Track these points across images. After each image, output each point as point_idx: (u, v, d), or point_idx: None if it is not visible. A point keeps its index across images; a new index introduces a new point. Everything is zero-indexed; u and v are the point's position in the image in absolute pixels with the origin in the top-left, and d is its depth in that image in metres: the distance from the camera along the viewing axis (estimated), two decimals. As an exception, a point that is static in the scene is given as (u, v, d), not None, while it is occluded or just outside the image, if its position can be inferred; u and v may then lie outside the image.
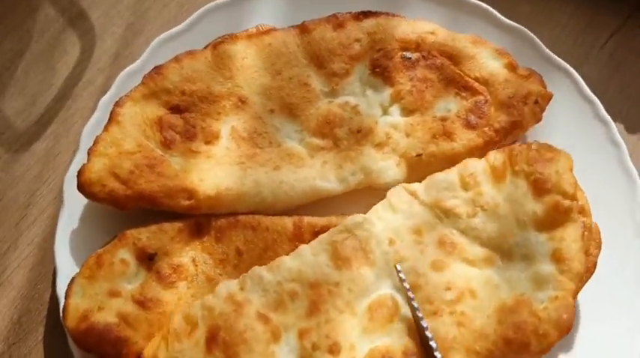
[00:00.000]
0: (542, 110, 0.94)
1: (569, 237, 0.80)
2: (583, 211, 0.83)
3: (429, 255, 0.83)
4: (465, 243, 0.83)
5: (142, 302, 0.85)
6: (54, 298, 0.93)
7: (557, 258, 0.80)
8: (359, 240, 0.82)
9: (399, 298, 0.81)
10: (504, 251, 0.82)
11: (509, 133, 0.92)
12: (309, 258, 0.82)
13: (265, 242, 0.86)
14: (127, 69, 0.99)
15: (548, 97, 0.94)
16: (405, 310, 0.80)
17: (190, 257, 0.87)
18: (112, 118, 0.92)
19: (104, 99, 0.98)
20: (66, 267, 0.89)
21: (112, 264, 0.85)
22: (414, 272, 0.81)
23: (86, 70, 1.10)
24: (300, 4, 1.04)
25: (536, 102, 0.93)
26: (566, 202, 0.81)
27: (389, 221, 0.84)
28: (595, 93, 0.99)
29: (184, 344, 0.79)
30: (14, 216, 1.01)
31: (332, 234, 0.83)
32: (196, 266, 0.87)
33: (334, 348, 0.78)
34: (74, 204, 0.93)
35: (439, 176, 0.87)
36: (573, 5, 1.13)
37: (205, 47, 0.98)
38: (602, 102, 0.98)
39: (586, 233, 0.82)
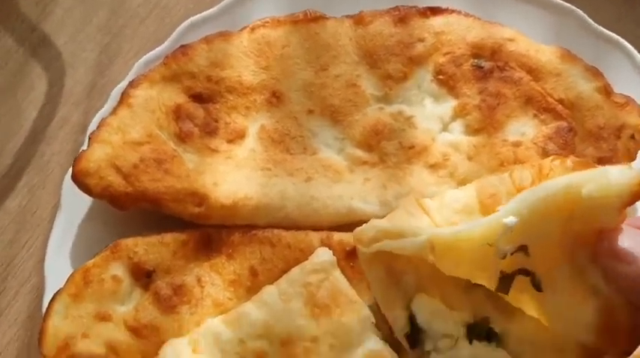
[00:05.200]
0: (639, 147, 0.77)
1: None
2: None
3: None
4: None
5: (135, 330, 0.71)
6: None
7: None
8: (339, 283, 0.68)
9: (392, 354, 0.66)
10: None
11: (595, 171, 0.76)
12: (278, 305, 0.66)
13: (286, 261, 0.72)
14: (147, 56, 0.85)
15: (648, 132, 0.77)
16: None
17: (195, 276, 0.73)
18: (123, 100, 0.79)
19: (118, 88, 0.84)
20: (56, 285, 0.75)
21: (101, 281, 0.72)
22: None
23: (59, 106, 0.93)
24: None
25: (632, 137, 0.77)
26: None
27: None
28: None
29: None
30: (-10, 292, 0.83)
31: (304, 274, 0.68)
32: (202, 287, 0.73)
33: None
34: (72, 209, 0.80)
35: (453, 194, 0.69)
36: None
37: (242, 29, 0.84)
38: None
39: None
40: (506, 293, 0.62)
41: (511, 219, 0.57)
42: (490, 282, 0.62)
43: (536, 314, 0.63)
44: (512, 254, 0.60)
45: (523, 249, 0.60)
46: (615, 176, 0.55)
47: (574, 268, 0.58)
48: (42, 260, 0.80)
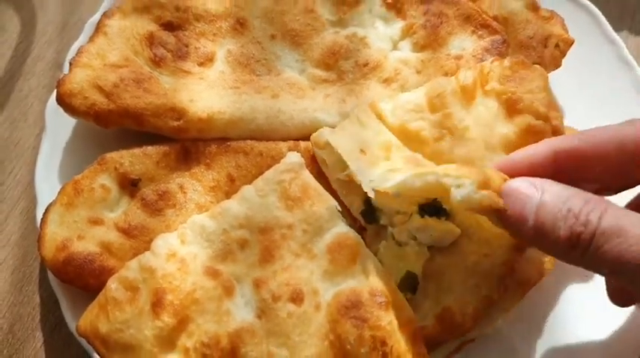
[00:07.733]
0: (563, 55, 0.87)
1: None
2: (557, 132, 0.77)
3: None
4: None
5: (126, 231, 0.78)
6: (46, 298, 0.84)
7: None
8: (308, 179, 0.76)
9: (357, 236, 0.74)
10: None
11: (527, 76, 0.86)
12: (256, 200, 0.74)
13: (259, 167, 0.79)
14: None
15: (570, 42, 0.87)
16: (366, 250, 0.74)
17: (177, 184, 0.80)
18: (99, 29, 0.84)
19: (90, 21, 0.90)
20: (47, 198, 0.81)
21: (91, 190, 0.78)
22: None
23: (32, 46, 0.99)
24: None
25: (557, 46, 0.87)
26: (539, 124, 0.75)
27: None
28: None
29: (127, 312, 0.70)
30: (-18, 218, 0.88)
31: (277, 174, 0.76)
32: (185, 193, 0.80)
33: (296, 296, 0.71)
34: (56, 133, 0.86)
35: (405, 96, 0.79)
36: None
37: (205, -38, 0.90)
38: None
39: None
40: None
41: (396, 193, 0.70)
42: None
43: None
44: None
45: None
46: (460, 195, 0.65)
47: None
48: (29, 185, 0.86)
